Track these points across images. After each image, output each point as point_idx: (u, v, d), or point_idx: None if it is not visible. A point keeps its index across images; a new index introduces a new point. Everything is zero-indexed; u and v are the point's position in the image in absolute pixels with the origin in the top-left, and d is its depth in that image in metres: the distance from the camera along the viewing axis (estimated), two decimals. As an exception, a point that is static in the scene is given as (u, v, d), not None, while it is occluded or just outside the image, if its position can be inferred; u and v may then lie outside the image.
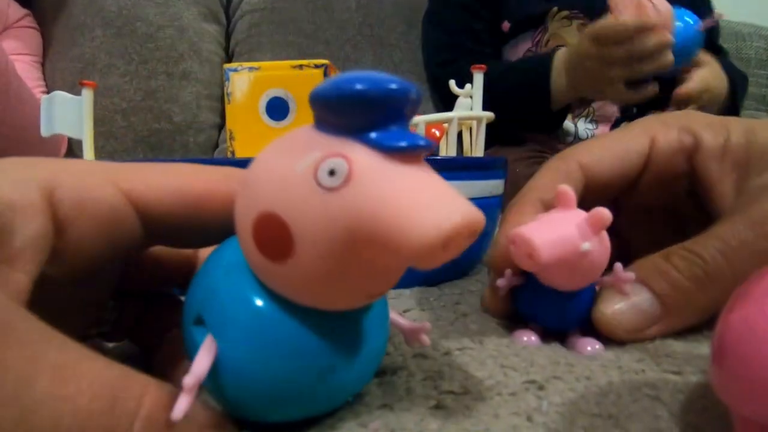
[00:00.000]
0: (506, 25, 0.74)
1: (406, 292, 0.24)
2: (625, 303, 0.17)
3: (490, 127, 0.30)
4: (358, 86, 0.09)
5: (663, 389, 0.14)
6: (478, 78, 0.29)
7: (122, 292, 0.14)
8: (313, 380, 0.11)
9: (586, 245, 0.14)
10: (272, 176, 0.10)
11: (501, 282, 0.17)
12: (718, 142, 0.19)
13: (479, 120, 0.29)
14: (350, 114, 0.09)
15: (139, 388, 0.09)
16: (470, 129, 0.31)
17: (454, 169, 0.25)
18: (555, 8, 0.72)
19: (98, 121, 0.74)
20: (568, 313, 0.17)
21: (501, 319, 0.20)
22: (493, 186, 0.27)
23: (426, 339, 0.14)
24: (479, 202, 0.26)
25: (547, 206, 0.19)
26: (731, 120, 0.19)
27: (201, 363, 0.10)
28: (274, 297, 0.11)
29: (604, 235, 0.15)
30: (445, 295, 0.23)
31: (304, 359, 0.11)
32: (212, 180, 0.13)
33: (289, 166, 0.10)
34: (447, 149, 0.27)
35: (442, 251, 0.09)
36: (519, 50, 0.75)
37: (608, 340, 0.17)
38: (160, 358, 0.14)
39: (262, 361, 0.11)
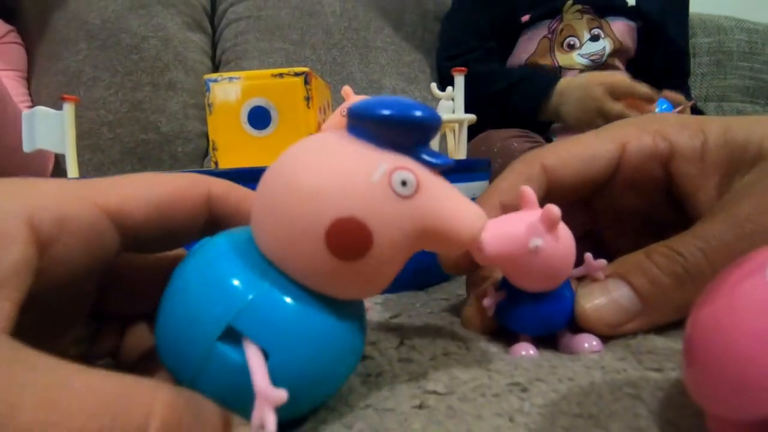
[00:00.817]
0: (526, 18, 0.83)
1: (394, 297, 0.24)
2: (605, 298, 0.17)
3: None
4: (419, 113, 0.11)
5: (644, 388, 0.14)
6: (459, 81, 0.29)
7: (101, 312, 0.14)
8: (339, 365, 0.12)
9: (535, 242, 0.14)
10: (348, 184, 0.11)
11: (487, 302, 0.17)
12: (694, 146, 0.19)
13: (461, 122, 0.29)
14: (411, 134, 0.11)
15: (146, 397, 0.09)
16: (453, 131, 0.31)
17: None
18: (570, 1, 0.81)
19: (84, 134, 0.74)
20: (549, 315, 0.17)
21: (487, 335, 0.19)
22: (476, 188, 0.27)
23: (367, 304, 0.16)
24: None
25: (507, 209, 0.19)
26: (706, 120, 0.19)
27: (261, 368, 0.10)
28: (304, 294, 0.11)
29: (563, 233, 0.15)
30: (433, 300, 0.23)
31: (334, 350, 0.12)
32: (181, 186, 0.13)
33: (362, 174, 0.11)
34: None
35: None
36: (536, 37, 0.84)
37: (584, 331, 0.17)
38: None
39: (308, 360, 0.11)
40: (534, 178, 0.20)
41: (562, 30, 0.83)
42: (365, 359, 0.16)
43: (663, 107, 0.72)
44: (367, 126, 0.11)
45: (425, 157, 0.12)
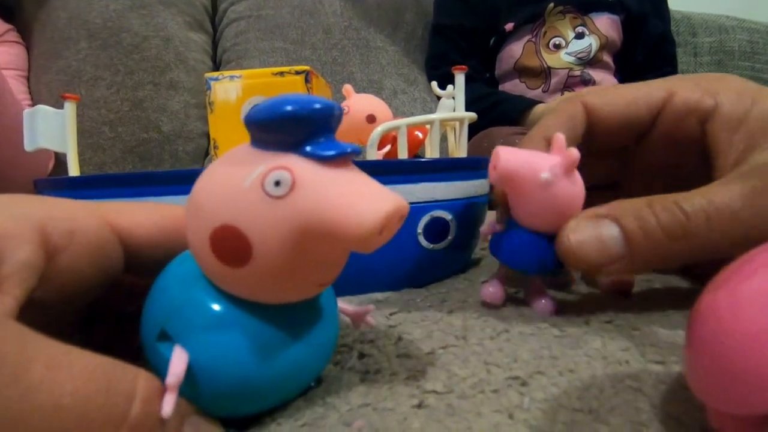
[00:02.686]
0: (510, 26, 0.85)
1: (395, 294, 0.24)
2: (592, 234, 0.16)
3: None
4: (289, 108, 0.10)
5: (645, 381, 0.14)
6: (460, 79, 0.29)
7: (93, 313, 0.15)
8: (276, 371, 0.12)
9: (545, 174, 0.16)
10: (223, 192, 0.11)
11: (484, 229, 0.19)
12: (737, 112, 0.18)
13: (461, 121, 0.29)
14: (285, 131, 0.11)
15: (130, 373, 0.10)
16: (454, 129, 0.31)
17: (438, 170, 0.25)
18: (552, 4, 0.84)
19: (86, 133, 0.74)
20: (539, 255, 0.18)
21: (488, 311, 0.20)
22: (478, 186, 0.27)
23: (371, 320, 0.16)
24: (465, 202, 0.26)
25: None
26: (763, 90, 0.18)
27: (178, 364, 0.11)
28: (232, 300, 0.12)
29: (577, 179, 0.16)
30: (432, 295, 0.23)
31: (267, 353, 0.12)
32: (180, 214, 0.14)
33: (236, 181, 0.11)
34: (431, 151, 0.27)
35: (378, 235, 0.11)
36: (521, 42, 0.86)
37: (593, 319, 0.18)
38: None
39: (229, 362, 0.12)
40: (576, 117, 0.20)
41: (545, 32, 0.85)
42: (363, 357, 0.16)
43: None
44: (255, 132, 0.11)
45: (310, 151, 0.11)
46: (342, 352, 0.17)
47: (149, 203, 0.15)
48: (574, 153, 0.16)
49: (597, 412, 0.13)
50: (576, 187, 0.17)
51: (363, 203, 0.10)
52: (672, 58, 0.92)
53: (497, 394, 0.14)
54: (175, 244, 0.14)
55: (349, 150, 0.11)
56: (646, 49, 0.88)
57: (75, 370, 0.09)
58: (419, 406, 0.13)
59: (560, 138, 0.17)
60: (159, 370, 0.12)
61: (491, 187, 0.22)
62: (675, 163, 0.20)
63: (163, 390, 0.10)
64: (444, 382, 0.14)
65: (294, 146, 0.11)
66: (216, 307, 0.12)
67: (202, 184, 0.12)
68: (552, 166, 0.16)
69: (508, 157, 0.16)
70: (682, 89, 0.19)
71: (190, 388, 0.11)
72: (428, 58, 0.93)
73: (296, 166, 0.11)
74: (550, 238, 0.18)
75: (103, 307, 0.15)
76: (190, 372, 0.11)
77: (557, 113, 0.21)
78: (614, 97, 0.20)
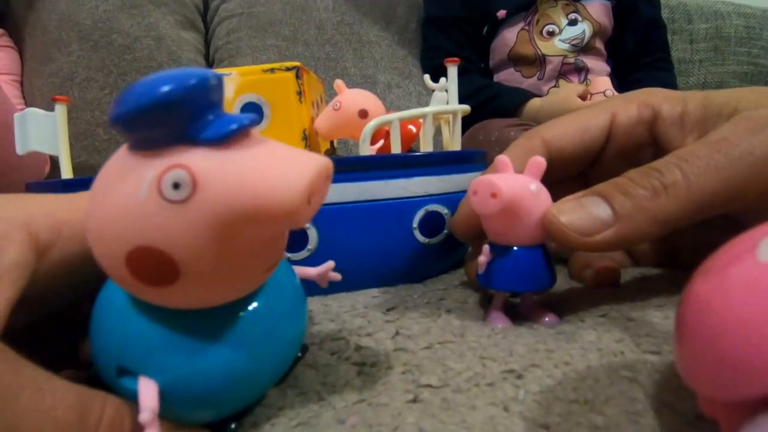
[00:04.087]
0: (502, 13, 0.85)
1: (392, 289, 0.24)
2: (578, 210, 0.17)
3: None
4: (166, 88, 0.09)
5: (641, 371, 0.14)
6: (453, 71, 0.29)
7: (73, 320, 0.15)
8: (251, 361, 0.12)
9: (534, 186, 0.17)
10: (119, 212, 0.09)
11: (482, 258, 0.18)
12: (676, 111, 0.20)
13: (455, 113, 0.29)
14: (164, 122, 0.09)
15: (99, 401, 0.11)
16: (447, 122, 0.31)
17: (432, 164, 0.25)
18: None
19: (80, 136, 0.74)
20: (530, 273, 0.18)
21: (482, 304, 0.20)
22: (473, 179, 0.27)
23: (336, 275, 0.16)
24: (460, 195, 0.26)
25: None
26: (688, 93, 0.21)
27: (149, 398, 0.10)
28: (178, 313, 0.11)
29: (544, 189, 0.18)
30: (429, 291, 0.23)
31: (237, 349, 0.11)
32: None
33: (130, 197, 0.09)
34: (424, 145, 0.27)
35: (308, 204, 0.09)
36: (514, 30, 0.85)
37: (587, 313, 0.18)
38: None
39: (202, 373, 0.11)
40: (535, 151, 0.21)
41: (538, 20, 0.85)
42: (360, 349, 0.16)
43: None
44: (127, 132, 0.09)
45: (199, 137, 0.09)
46: (339, 343, 0.17)
47: None
48: (539, 159, 0.18)
49: (592, 403, 0.13)
50: (546, 191, 0.18)
51: (281, 176, 0.09)
52: (664, 43, 0.92)
53: (492, 388, 0.14)
54: None
55: (246, 122, 0.09)
56: (636, 35, 0.88)
57: (57, 398, 0.10)
58: (414, 400, 0.13)
59: (537, 162, 0.18)
60: (128, 400, 0.11)
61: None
62: None
63: (131, 415, 0.11)
64: (439, 376, 0.14)
65: (179, 136, 0.09)
66: (166, 326, 0.11)
67: (92, 207, 0.10)
68: (529, 179, 0.17)
69: (505, 184, 0.16)
70: (619, 108, 0.21)
71: (167, 408, 0.11)
72: (423, 50, 0.93)
73: (191, 160, 0.09)
74: (543, 250, 0.18)
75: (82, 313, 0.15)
76: (163, 395, 0.11)
77: (517, 149, 0.22)
78: (565, 127, 0.21)
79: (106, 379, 0.12)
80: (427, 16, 0.93)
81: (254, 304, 0.12)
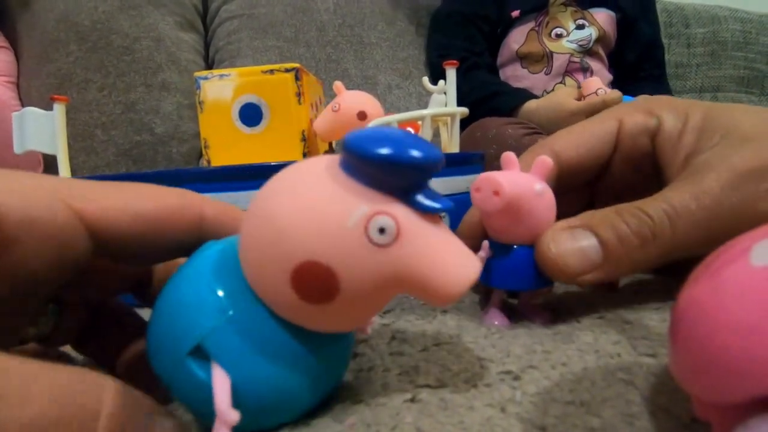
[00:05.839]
0: (516, 13, 0.89)
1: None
2: (572, 245, 0.17)
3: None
4: (416, 154, 0.10)
5: (637, 373, 0.14)
6: (451, 74, 0.29)
7: (65, 299, 0.14)
8: (311, 390, 0.12)
9: (538, 186, 0.17)
10: (318, 227, 0.10)
11: (482, 254, 0.18)
12: (676, 126, 0.20)
13: (453, 116, 0.29)
14: (402, 177, 0.10)
15: (95, 386, 0.09)
16: (446, 125, 0.31)
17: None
18: None
19: (78, 136, 0.74)
20: (527, 271, 0.18)
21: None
22: (470, 181, 0.27)
23: (369, 330, 0.16)
24: (457, 197, 0.26)
25: None
26: (695, 104, 0.20)
27: (224, 392, 0.10)
28: (280, 323, 0.11)
29: (549, 190, 0.18)
30: (426, 291, 0.23)
31: (304, 374, 0.12)
32: (172, 204, 0.13)
33: (337, 218, 0.10)
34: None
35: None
36: (525, 29, 0.90)
37: (584, 315, 0.18)
38: (122, 372, 0.14)
39: (274, 386, 0.11)
40: None
41: (548, 22, 0.89)
42: (356, 356, 0.16)
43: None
44: (358, 163, 0.10)
45: (419, 201, 0.11)
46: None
47: (128, 185, 0.12)
48: (546, 159, 0.18)
49: (589, 405, 0.13)
50: (551, 196, 0.18)
51: (455, 266, 0.11)
52: (660, 62, 0.97)
53: (490, 389, 0.14)
54: (158, 236, 0.12)
55: (450, 206, 0.11)
56: (635, 51, 0.93)
57: (23, 397, 0.08)
58: (412, 400, 0.13)
59: (544, 161, 0.18)
60: (183, 386, 0.11)
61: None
62: (632, 182, 0.22)
63: (135, 402, 0.09)
64: (437, 376, 0.14)
65: (399, 190, 0.10)
66: (268, 331, 0.11)
67: (285, 207, 0.11)
68: (534, 178, 0.18)
69: (508, 182, 0.16)
70: (626, 115, 0.21)
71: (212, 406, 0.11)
72: (433, 47, 0.95)
73: (401, 215, 0.10)
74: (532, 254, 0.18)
75: (71, 297, 0.14)
76: (233, 394, 0.11)
77: (523, 162, 0.21)
78: (573, 137, 0.21)
79: (167, 353, 0.11)
80: (443, 11, 0.95)
81: (327, 339, 0.12)
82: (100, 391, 0.09)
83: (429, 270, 0.10)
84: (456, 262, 0.11)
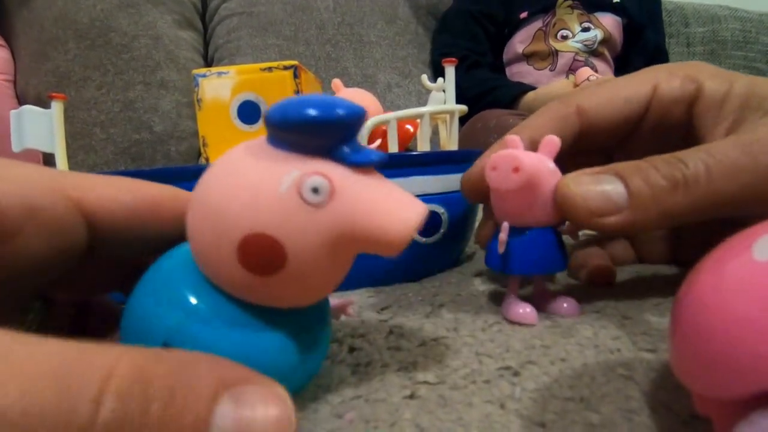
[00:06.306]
0: (524, 14, 0.92)
1: (386, 289, 0.24)
2: (594, 186, 0.16)
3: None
4: (340, 111, 0.10)
5: (637, 369, 0.14)
6: (450, 72, 0.29)
7: (53, 296, 0.14)
8: (285, 374, 0.12)
9: (551, 164, 0.17)
10: (254, 198, 0.10)
11: (503, 236, 0.18)
12: (719, 92, 0.19)
13: (452, 113, 0.29)
14: (321, 135, 0.10)
15: (99, 360, 0.07)
16: (445, 122, 0.31)
17: (429, 163, 0.25)
18: None
19: (76, 135, 0.74)
20: (547, 255, 0.18)
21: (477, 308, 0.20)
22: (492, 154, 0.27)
23: (351, 311, 0.16)
24: (457, 195, 0.26)
25: (536, 145, 0.19)
26: (737, 73, 0.19)
27: None
28: (241, 306, 0.11)
29: (558, 171, 0.17)
30: (424, 289, 0.23)
31: (277, 358, 0.12)
32: (163, 195, 0.13)
33: (270, 185, 0.10)
34: (421, 144, 0.27)
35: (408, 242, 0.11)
36: (532, 30, 0.92)
37: (583, 310, 0.18)
38: None
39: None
40: (569, 119, 0.20)
41: (555, 23, 0.91)
42: (354, 351, 0.16)
43: None
44: (281, 133, 0.11)
45: (348, 156, 0.11)
46: (332, 346, 0.16)
47: (119, 178, 0.13)
48: (554, 138, 0.17)
49: (588, 401, 0.13)
50: (559, 172, 0.17)
51: (398, 211, 0.11)
52: None
53: (489, 385, 0.14)
54: (149, 225, 0.12)
55: (380, 157, 0.11)
56: (642, 57, 0.95)
57: (7, 378, 0.07)
58: (411, 396, 0.13)
59: (552, 141, 0.17)
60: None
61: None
62: (659, 153, 0.20)
63: (166, 371, 0.08)
64: (436, 372, 0.14)
65: (325, 150, 0.11)
66: (230, 318, 0.11)
67: (222, 186, 0.11)
68: (545, 157, 0.17)
69: (528, 159, 0.16)
70: (662, 80, 0.20)
71: None
72: (438, 46, 0.96)
73: (332, 172, 0.10)
74: (556, 232, 0.18)
75: (59, 293, 0.14)
76: None
77: (548, 113, 0.20)
78: (603, 96, 0.20)
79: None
80: (452, 10, 0.97)
81: (302, 316, 0.12)
82: (111, 364, 0.07)
83: (370, 220, 0.10)
84: (397, 208, 0.11)
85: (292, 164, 0.10)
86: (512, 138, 0.18)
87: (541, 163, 0.16)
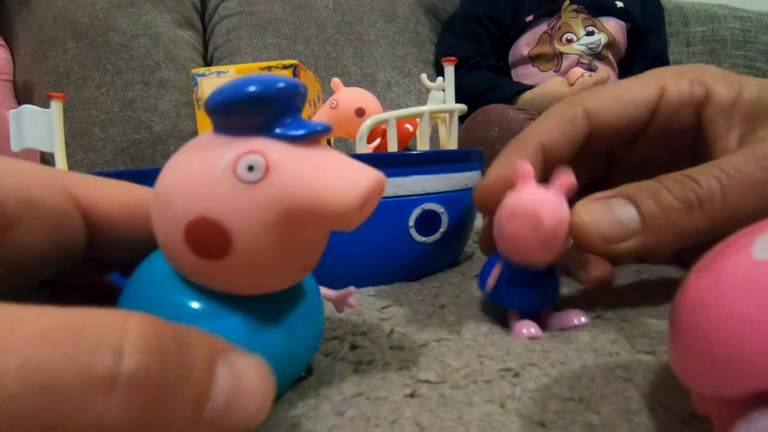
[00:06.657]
0: (530, 18, 0.93)
1: (387, 288, 0.24)
2: (605, 213, 0.16)
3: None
4: (253, 88, 0.10)
5: (636, 371, 0.14)
6: (449, 71, 0.29)
7: (56, 281, 0.14)
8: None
9: (565, 207, 0.15)
10: (192, 182, 0.10)
11: (491, 282, 0.17)
12: (729, 96, 0.18)
13: (451, 112, 0.29)
14: (250, 114, 0.10)
15: (113, 320, 0.07)
16: (444, 121, 0.31)
17: (428, 162, 0.25)
18: (567, 1, 0.93)
19: (76, 134, 0.73)
20: (544, 292, 0.17)
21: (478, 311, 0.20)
22: (469, 178, 0.27)
23: (353, 301, 0.16)
24: (456, 194, 0.26)
25: (546, 149, 0.19)
26: (745, 77, 0.19)
27: None
28: (211, 296, 0.11)
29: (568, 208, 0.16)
30: (425, 288, 0.23)
31: (253, 347, 0.11)
32: None
33: (206, 170, 0.10)
34: (421, 144, 0.27)
35: (360, 211, 0.10)
36: (537, 33, 0.94)
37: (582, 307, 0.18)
38: None
39: None
40: (577, 122, 0.19)
41: (560, 27, 0.93)
42: (355, 348, 0.16)
43: None
44: (220, 118, 0.11)
45: (282, 131, 0.11)
46: (334, 343, 0.16)
47: (115, 180, 0.13)
48: (573, 178, 0.16)
49: (588, 402, 0.13)
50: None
51: (342, 179, 0.10)
52: None
53: (489, 385, 0.14)
54: (143, 226, 0.13)
55: (319, 128, 0.11)
56: (645, 62, 0.96)
57: (17, 337, 0.06)
58: (412, 395, 0.13)
59: (526, 169, 0.16)
60: None
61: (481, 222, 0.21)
62: (664, 157, 0.20)
63: (172, 332, 0.08)
64: (437, 372, 0.14)
65: (261, 129, 0.11)
66: (195, 305, 0.11)
67: (167, 175, 0.11)
68: (560, 198, 0.16)
69: (549, 213, 0.15)
70: (670, 82, 0.19)
71: None
72: (441, 47, 0.97)
73: (267, 148, 0.10)
74: (547, 273, 0.17)
75: (64, 282, 0.14)
76: None
77: (555, 116, 0.20)
78: (611, 98, 0.20)
79: None
80: (458, 12, 0.98)
81: (281, 304, 0.12)
82: (122, 323, 0.07)
83: (311, 191, 0.10)
84: (342, 176, 0.10)
85: (229, 147, 0.10)
86: (524, 170, 0.16)
87: (559, 212, 0.15)
